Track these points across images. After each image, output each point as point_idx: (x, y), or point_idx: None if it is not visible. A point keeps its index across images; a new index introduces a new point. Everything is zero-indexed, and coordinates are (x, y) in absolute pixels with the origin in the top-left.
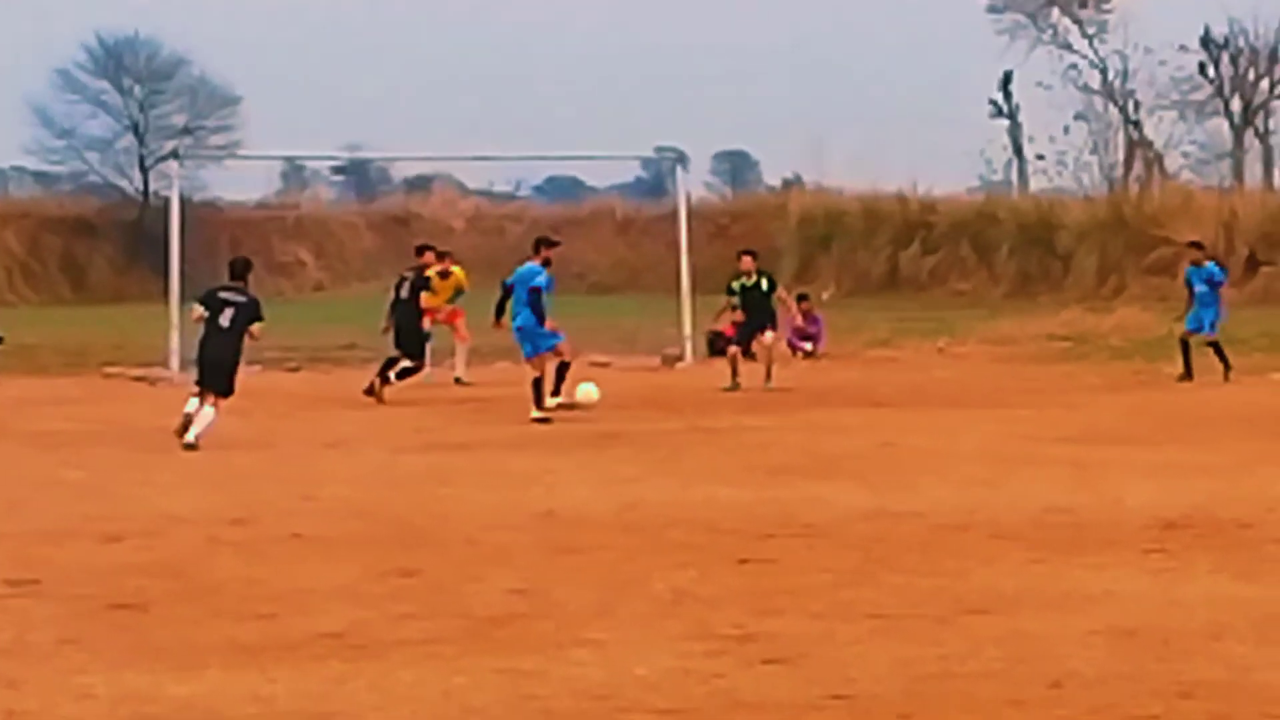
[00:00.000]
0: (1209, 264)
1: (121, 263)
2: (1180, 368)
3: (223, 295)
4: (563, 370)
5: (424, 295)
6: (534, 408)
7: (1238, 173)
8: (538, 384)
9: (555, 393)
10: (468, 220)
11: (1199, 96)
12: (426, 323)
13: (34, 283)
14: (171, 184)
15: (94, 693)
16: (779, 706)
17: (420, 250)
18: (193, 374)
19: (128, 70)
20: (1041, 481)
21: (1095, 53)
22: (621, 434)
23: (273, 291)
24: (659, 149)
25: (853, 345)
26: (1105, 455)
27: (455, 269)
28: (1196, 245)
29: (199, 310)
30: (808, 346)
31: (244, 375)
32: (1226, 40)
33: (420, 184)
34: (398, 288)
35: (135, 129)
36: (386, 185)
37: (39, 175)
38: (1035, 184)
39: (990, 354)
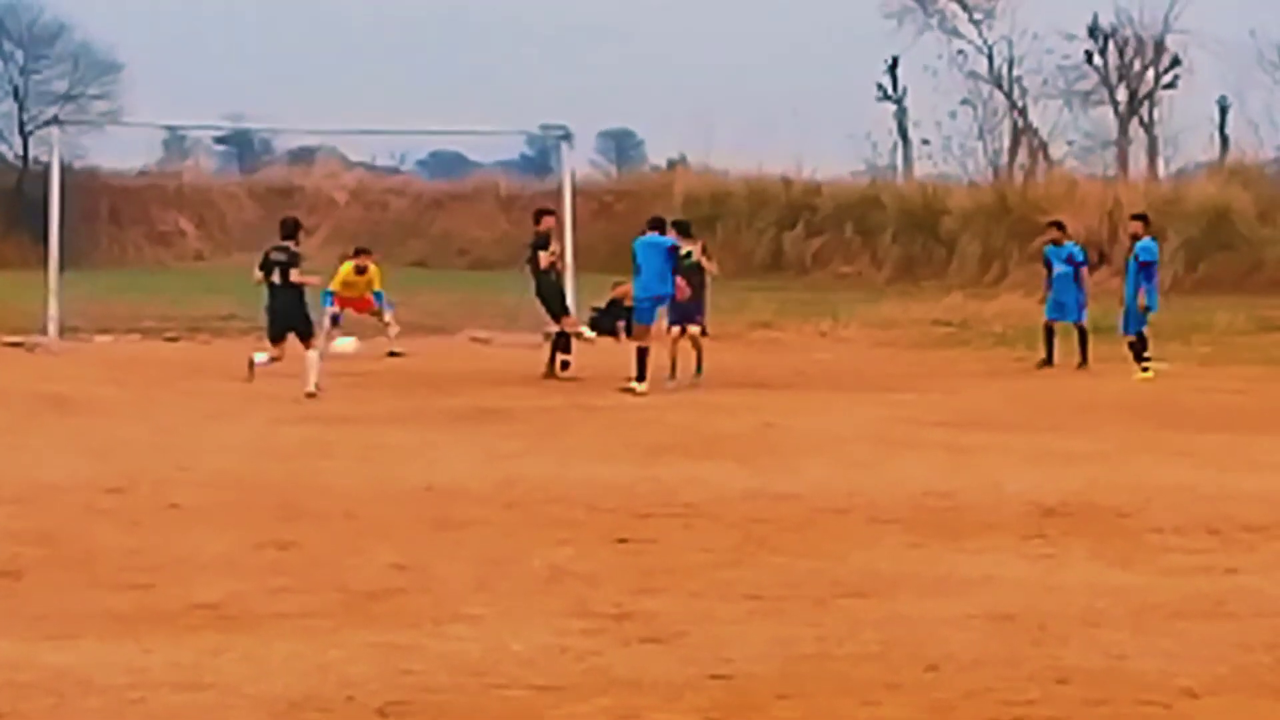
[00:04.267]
0: (1068, 243)
1: (0, 228)
2: (1042, 353)
3: (273, 256)
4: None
5: (339, 288)
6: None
7: (1122, 162)
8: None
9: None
10: (350, 193)
11: (1085, 85)
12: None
13: None
14: (52, 150)
15: None
16: (655, 685)
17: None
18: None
19: (9, 35)
20: (921, 465)
21: (982, 39)
22: (502, 410)
23: (152, 261)
24: (544, 126)
25: (736, 326)
26: (986, 440)
27: (372, 266)
28: (1057, 225)
29: (258, 274)
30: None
31: (121, 344)
32: (1113, 29)
33: (303, 156)
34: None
35: (15, 94)
36: (269, 156)
37: None
38: (920, 169)
39: (873, 338)
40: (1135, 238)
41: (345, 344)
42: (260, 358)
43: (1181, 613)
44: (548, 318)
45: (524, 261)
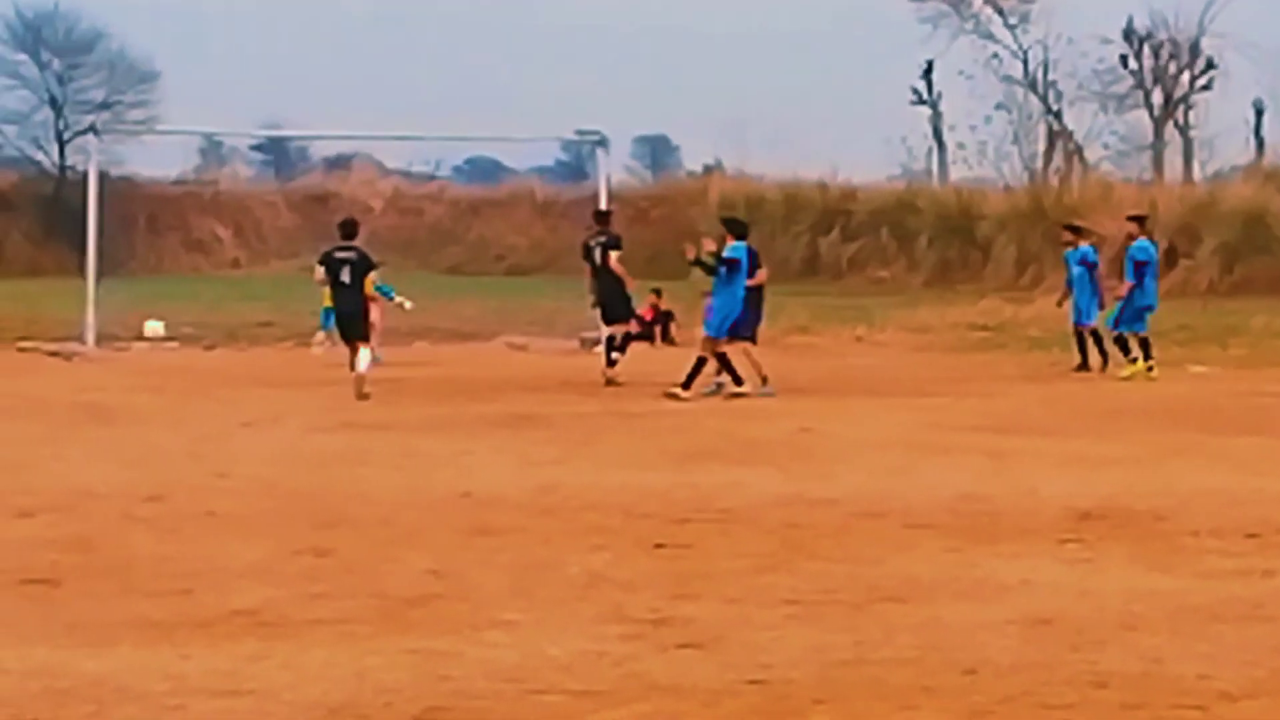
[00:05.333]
0: (1083, 245)
1: (38, 237)
2: (1077, 358)
3: (339, 255)
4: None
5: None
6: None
7: (1157, 165)
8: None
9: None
10: (386, 200)
11: (1120, 88)
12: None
13: None
14: (89, 159)
15: (5, 667)
16: (693, 690)
17: (607, 215)
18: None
19: (46, 43)
20: (957, 470)
21: (1017, 43)
22: (538, 416)
23: (189, 268)
24: (580, 131)
25: (771, 331)
26: (1022, 445)
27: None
28: (1071, 229)
29: (320, 273)
30: None
31: (160, 353)
32: (1148, 33)
33: (339, 163)
34: (589, 255)
35: (53, 102)
36: (305, 164)
37: None
38: (956, 173)
39: (908, 342)
40: (1131, 238)
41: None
42: (363, 366)
43: (1219, 616)
44: (600, 321)
45: (590, 260)
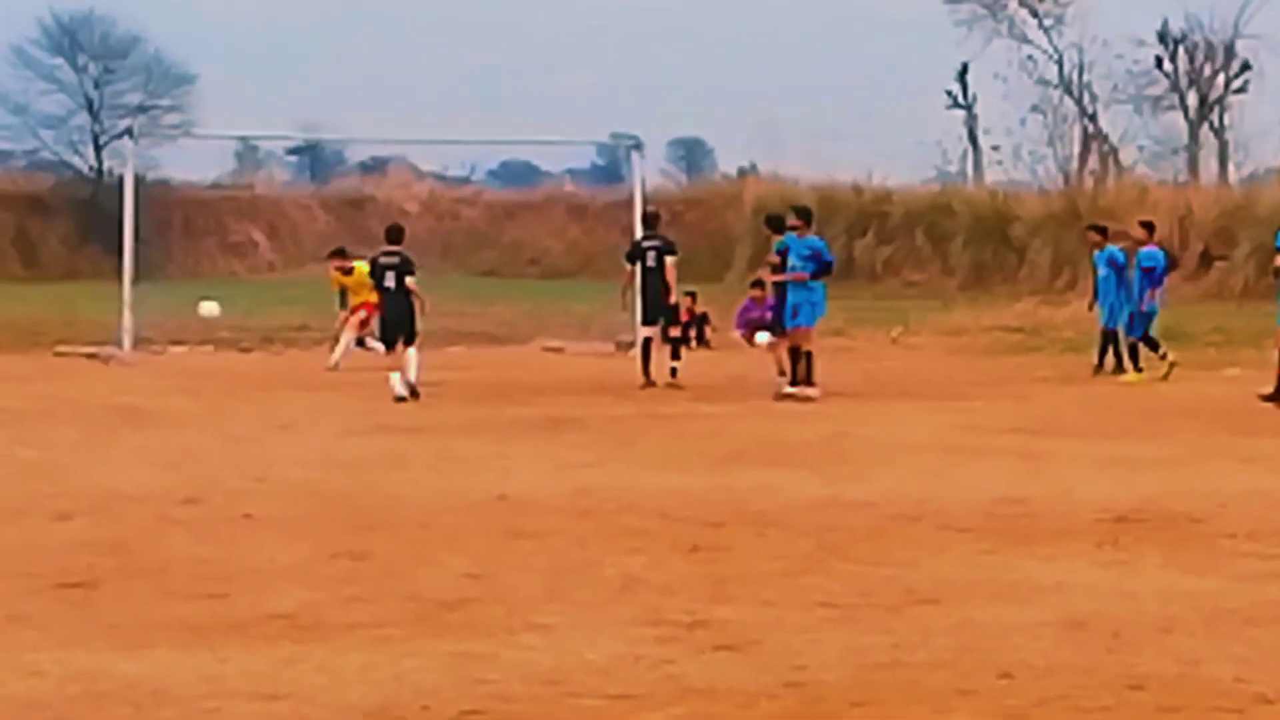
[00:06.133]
0: (1110, 247)
1: (74, 240)
2: (1113, 361)
3: (383, 261)
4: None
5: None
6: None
7: (1193, 167)
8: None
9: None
10: (422, 203)
11: (1155, 90)
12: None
13: None
14: (125, 162)
15: (43, 670)
16: (729, 693)
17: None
18: (148, 351)
19: (82, 47)
20: (993, 472)
21: (1052, 45)
22: (574, 419)
23: (225, 272)
24: (615, 135)
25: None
26: (1057, 447)
27: (357, 264)
28: (1097, 229)
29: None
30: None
31: (194, 355)
32: (1183, 34)
33: (375, 166)
34: (644, 256)
35: (89, 106)
36: (341, 167)
37: None
38: (990, 176)
39: (944, 345)
40: (1140, 244)
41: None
42: (396, 385)
43: (1255, 619)
44: (644, 324)
45: (640, 261)
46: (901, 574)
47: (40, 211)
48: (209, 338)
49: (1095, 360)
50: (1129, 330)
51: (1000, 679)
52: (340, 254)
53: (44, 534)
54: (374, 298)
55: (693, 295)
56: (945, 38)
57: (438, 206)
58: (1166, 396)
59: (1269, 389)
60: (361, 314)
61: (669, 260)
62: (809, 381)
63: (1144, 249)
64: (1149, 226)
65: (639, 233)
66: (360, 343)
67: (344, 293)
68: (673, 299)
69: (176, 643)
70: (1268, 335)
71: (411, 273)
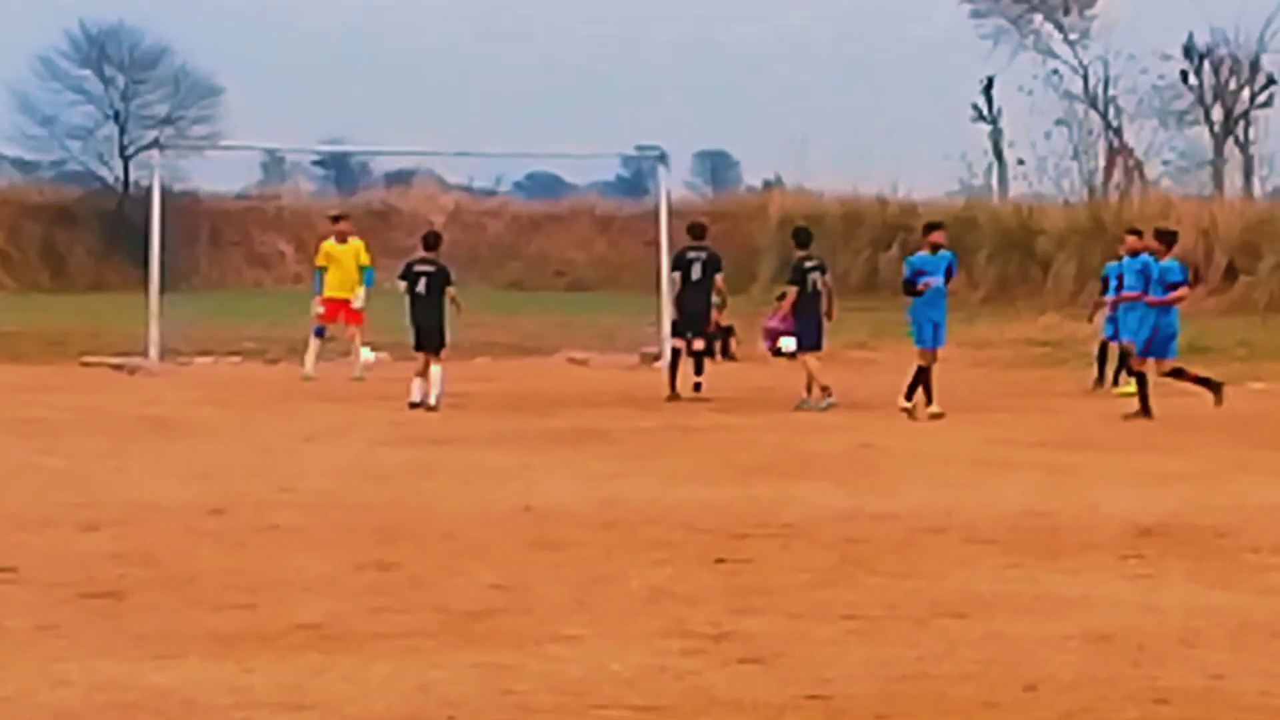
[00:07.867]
0: (1142, 256)
1: (101, 251)
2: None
3: (417, 268)
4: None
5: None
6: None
7: (1217, 181)
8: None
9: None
10: (448, 215)
11: (1180, 104)
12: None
13: (13, 270)
14: (152, 173)
15: (70, 680)
16: (755, 705)
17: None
18: (175, 362)
19: (110, 59)
20: (1018, 485)
21: (1078, 59)
22: (600, 431)
23: (251, 283)
24: (640, 147)
25: (831, 347)
26: (1082, 461)
27: (354, 238)
28: (1135, 232)
29: (402, 285)
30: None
31: (221, 366)
32: (1209, 49)
33: (401, 178)
34: (688, 268)
35: (117, 118)
36: (367, 179)
37: (19, 162)
38: (1015, 189)
39: (968, 358)
40: (1160, 255)
41: (367, 356)
42: (415, 392)
43: None
44: (674, 335)
45: (684, 270)
46: (927, 586)
47: (67, 222)
48: (235, 349)
49: (1095, 374)
50: (1152, 350)
51: (1025, 692)
52: (344, 217)
53: (71, 544)
54: (347, 296)
55: (718, 307)
56: (971, 51)
57: (464, 218)
58: (1191, 410)
59: None
60: (320, 309)
61: (719, 278)
62: (928, 396)
63: (1164, 262)
64: (1167, 238)
65: (664, 243)
66: (319, 333)
67: (322, 274)
68: (724, 319)
69: (204, 653)
70: None
71: (450, 282)
